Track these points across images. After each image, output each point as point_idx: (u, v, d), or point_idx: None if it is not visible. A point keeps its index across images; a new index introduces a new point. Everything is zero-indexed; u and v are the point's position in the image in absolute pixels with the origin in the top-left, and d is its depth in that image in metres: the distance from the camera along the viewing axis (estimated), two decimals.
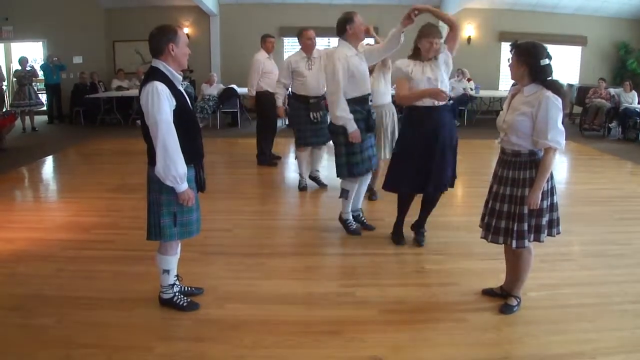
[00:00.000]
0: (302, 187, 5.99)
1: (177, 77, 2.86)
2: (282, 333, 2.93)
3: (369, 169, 4.34)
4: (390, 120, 5.15)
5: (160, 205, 2.88)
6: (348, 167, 4.22)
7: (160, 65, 2.80)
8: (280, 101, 6.04)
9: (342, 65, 3.99)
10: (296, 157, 6.15)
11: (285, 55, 13.45)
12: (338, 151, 4.23)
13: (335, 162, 4.30)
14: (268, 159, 7.25)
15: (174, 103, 2.75)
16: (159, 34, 2.80)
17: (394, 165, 4.13)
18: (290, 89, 6.07)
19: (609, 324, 3.03)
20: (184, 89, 2.97)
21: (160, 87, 2.70)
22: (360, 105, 4.16)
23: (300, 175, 6.05)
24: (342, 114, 4.04)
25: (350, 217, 4.55)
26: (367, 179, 4.53)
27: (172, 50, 2.79)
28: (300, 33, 5.74)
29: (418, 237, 4.32)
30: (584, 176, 7.20)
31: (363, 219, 4.67)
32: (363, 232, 4.58)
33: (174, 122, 2.73)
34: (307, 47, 5.72)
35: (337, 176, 4.35)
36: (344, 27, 4.10)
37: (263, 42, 6.89)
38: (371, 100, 4.28)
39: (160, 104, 2.68)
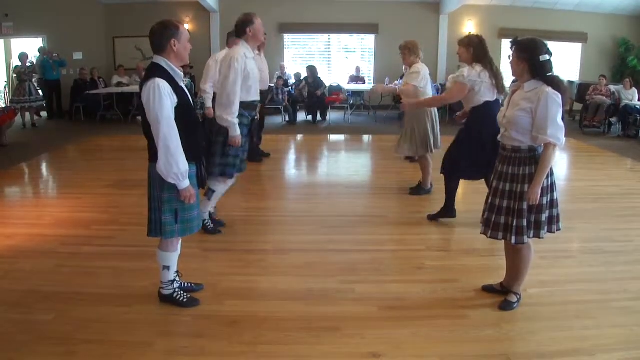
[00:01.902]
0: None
1: (179, 74, 2.85)
2: (282, 329, 2.93)
3: (239, 172, 4.31)
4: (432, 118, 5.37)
5: (162, 202, 2.88)
6: (222, 168, 4.13)
7: (162, 61, 2.79)
8: (210, 101, 5.50)
9: (240, 65, 3.90)
10: None
11: (286, 52, 13.48)
12: (215, 150, 4.09)
13: (210, 161, 4.06)
14: (258, 154, 7.22)
15: (176, 100, 2.74)
16: (160, 30, 2.78)
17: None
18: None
19: (608, 321, 3.03)
20: (184, 85, 2.96)
21: (162, 84, 2.69)
22: (248, 111, 4.14)
23: None
24: (229, 118, 3.93)
25: (208, 217, 4.38)
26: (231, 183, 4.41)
27: (174, 46, 2.78)
28: (230, 34, 5.34)
29: None
30: (584, 173, 7.20)
31: (212, 218, 4.53)
32: (365, 229, 4.58)
33: (175, 119, 2.72)
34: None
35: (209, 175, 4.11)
36: (244, 29, 4.01)
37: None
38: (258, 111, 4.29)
39: (162, 101, 2.66)
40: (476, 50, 4.30)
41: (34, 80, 10.78)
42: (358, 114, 12.55)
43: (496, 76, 4.31)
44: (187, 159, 2.77)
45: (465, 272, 3.73)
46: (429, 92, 5.35)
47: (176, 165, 2.72)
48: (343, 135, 10.28)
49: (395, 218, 4.98)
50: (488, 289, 3.37)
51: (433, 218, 4.81)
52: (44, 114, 11.95)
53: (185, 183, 2.80)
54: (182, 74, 2.89)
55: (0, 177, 6.51)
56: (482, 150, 4.25)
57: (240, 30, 4.03)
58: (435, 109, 5.50)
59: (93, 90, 11.54)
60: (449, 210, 4.76)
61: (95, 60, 12.65)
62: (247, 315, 3.08)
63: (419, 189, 5.66)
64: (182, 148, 2.73)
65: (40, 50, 12.05)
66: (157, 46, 2.79)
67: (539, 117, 2.78)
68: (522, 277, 3.16)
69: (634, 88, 10.39)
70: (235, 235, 4.48)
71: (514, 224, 2.93)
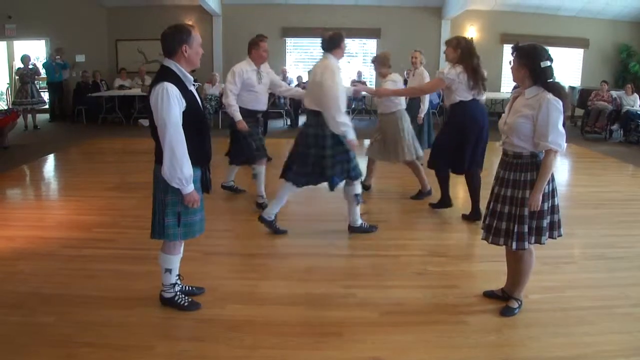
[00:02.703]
0: (263, 204, 5.21)
1: (189, 78, 2.85)
2: (283, 334, 2.92)
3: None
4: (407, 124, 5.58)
5: (166, 205, 2.88)
6: (355, 171, 4.30)
7: (172, 65, 2.79)
8: (239, 115, 5.08)
9: (339, 77, 4.09)
10: (255, 176, 5.38)
11: (288, 57, 13.50)
12: (327, 164, 4.18)
13: (338, 169, 4.22)
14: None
15: (184, 104, 2.74)
16: (172, 34, 2.78)
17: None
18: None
19: (610, 327, 3.02)
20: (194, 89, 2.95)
21: (170, 88, 2.69)
22: None
23: (262, 196, 5.37)
24: (347, 121, 4.11)
25: (361, 220, 4.59)
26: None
27: (185, 52, 2.78)
28: (256, 43, 5.10)
29: None
30: (585, 179, 7.19)
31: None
32: (366, 233, 4.57)
33: (183, 123, 2.72)
34: (262, 59, 5.15)
35: (347, 181, 4.35)
36: (338, 43, 4.19)
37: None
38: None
39: (170, 105, 2.67)
40: (463, 52, 4.55)
41: (36, 82, 10.82)
42: (360, 118, 12.56)
43: (476, 79, 4.55)
44: (192, 163, 2.77)
45: (466, 277, 3.73)
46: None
47: (180, 169, 2.72)
48: None
49: (396, 223, 4.98)
50: (489, 295, 3.37)
51: (434, 206, 5.26)
52: (46, 115, 11.96)
53: (189, 188, 2.80)
54: (192, 78, 2.89)
55: (1, 179, 6.52)
56: (457, 145, 4.68)
57: (333, 44, 4.19)
58: (407, 116, 5.62)
59: (95, 92, 11.58)
60: (443, 201, 5.18)
61: (98, 63, 12.68)
62: (248, 319, 3.08)
63: (419, 194, 5.68)
64: (187, 152, 2.73)
65: (55, 51, 12.03)
66: (168, 50, 2.80)
67: (540, 123, 2.78)
68: (524, 283, 3.16)
69: (635, 94, 10.40)
70: (237, 239, 4.48)
71: (515, 229, 2.93)
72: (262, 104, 5.28)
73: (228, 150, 5.51)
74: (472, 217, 4.87)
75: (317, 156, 4.22)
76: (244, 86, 5.05)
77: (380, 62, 5.54)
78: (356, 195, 4.43)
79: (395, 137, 5.48)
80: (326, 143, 4.17)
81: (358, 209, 4.53)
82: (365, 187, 5.94)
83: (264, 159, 5.38)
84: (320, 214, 5.18)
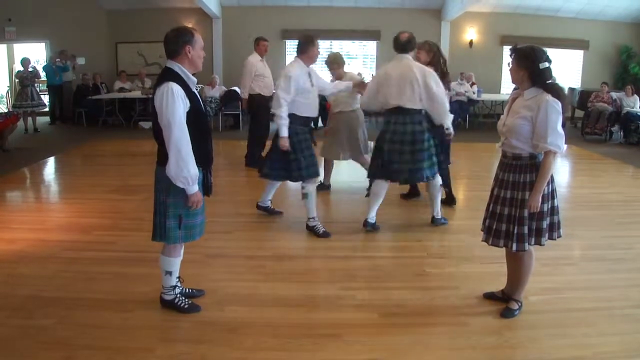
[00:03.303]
0: (323, 233, 4.63)
1: (192, 80, 2.86)
2: (282, 335, 2.92)
3: None
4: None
5: (167, 207, 2.88)
6: (434, 168, 4.55)
7: (176, 66, 2.81)
8: (287, 130, 4.40)
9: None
10: (305, 196, 4.63)
11: (288, 59, 13.45)
12: (422, 157, 4.44)
13: (429, 163, 4.48)
14: (257, 161, 7.18)
15: (188, 105, 2.76)
16: (175, 36, 2.80)
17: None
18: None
19: (610, 329, 3.02)
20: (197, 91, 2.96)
21: (175, 88, 2.70)
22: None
23: (314, 218, 4.69)
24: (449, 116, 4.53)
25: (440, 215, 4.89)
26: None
27: (189, 53, 2.79)
28: (310, 41, 4.48)
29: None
30: (585, 180, 7.20)
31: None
32: (365, 235, 4.58)
33: (187, 124, 2.73)
34: (314, 59, 4.58)
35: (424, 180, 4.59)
36: (414, 45, 4.55)
37: (256, 45, 6.96)
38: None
39: (175, 105, 2.68)
40: (435, 56, 4.93)
41: (36, 85, 10.83)
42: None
43: (446, 80, 4.92)
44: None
45: (466, 279, 3.72)
46: None
47: (186, 169, 2.73)
48: None
49: (395, 224, 4.98)
50: (489, 296, 3.37)
51: (404, 197, 5.74)
52: (46, 118, 11.97)
53: (194, 188, 2.81)
54: (195, 79, 2.90)
55: (2, 182, 6.52)
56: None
57: (411, 46, 4.52)
58: (362, 115, 5.95)
59: (95, 95, 11.60)
60: (449, 198, 5.45)
61: (98, 66, 12.68)
62: (247, 321, 3.08)
63: (322, 186, 5.99)
64: (192, 153, 2.74)
65: (59, 54, 12.02)
66: (171, 52, 2.81)
67: (539, 125, 2.79)
68: (523, 285, 3.15)
69: (635, 95, 10.41)
70: (236, 241, 4.48)
71: (515, 231, 2.93)
72: (315, 109, 4.66)
73: (261, 157, 5.31)
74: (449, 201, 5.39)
75: (415, 151, 4.44)
76: (299, 92, 4.40)
77: (331, 63, 5.72)
78: (441, 185, 4.79)
79: (359, 132, 5.81)
80: (425, 137, 4.43)
81: (439, 201, 4.82)
82: (326, 187, 6.16)
83: (315, 177, 4.69)
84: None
